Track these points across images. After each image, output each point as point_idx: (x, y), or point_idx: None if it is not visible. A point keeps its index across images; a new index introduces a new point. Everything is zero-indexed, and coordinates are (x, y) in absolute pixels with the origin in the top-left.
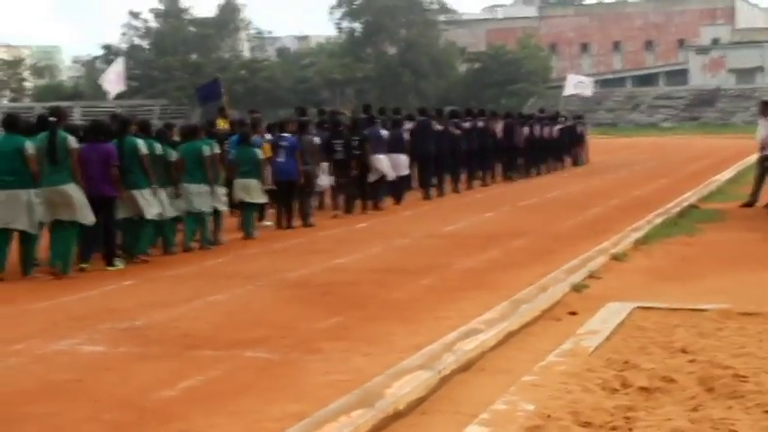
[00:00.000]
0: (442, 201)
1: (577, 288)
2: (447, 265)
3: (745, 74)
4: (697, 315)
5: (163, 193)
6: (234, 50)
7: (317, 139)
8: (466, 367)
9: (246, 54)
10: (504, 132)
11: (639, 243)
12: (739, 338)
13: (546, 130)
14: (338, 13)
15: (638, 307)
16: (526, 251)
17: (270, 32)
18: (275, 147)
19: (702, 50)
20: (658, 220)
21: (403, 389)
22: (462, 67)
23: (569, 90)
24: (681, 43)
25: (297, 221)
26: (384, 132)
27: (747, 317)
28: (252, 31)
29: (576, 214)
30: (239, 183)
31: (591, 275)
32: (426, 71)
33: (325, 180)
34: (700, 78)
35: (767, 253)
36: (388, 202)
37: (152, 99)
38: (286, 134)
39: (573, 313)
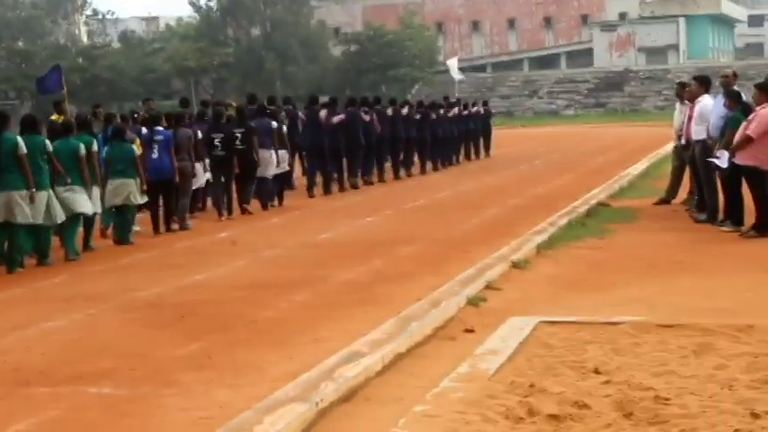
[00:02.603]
0: (315, 203)
1: (474, 301)
2: (324, 279)
3: (656, 53)
4: (611, 329)
5: (45, 196)
6: (69, 36)
7: (198, 133)
8: (348, 397)
9: (84, 39)
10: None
11: (543, 248)
12: (660, 354)
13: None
14: None
15: (544, 321)
16: (414, 260)
17: (112, 14)
18: (148, 142)
19: (608, 27)
20: (563, 222)
21: (276, 425)
22: (336, 51)
23: (456, 74)
24: (584, 19)
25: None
26: (274, 125)
27: (667, 329)
28: (89, 13)
29: (470, 216)
30: (115, 183)
31: (489, 286)
32: (295, 55)
33: (201, 178)
34: (606, 59)
35: (686, 256)
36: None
37: None
38: (160, 128)
39: (469, 330)
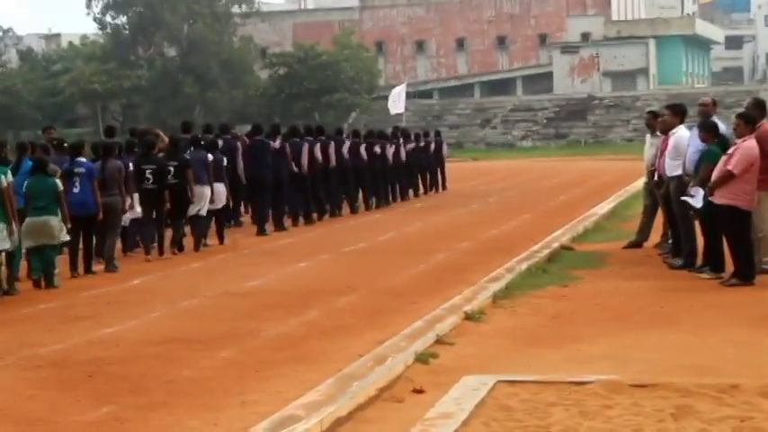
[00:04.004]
0: (243, 245)
1: (423, 358)
2: (252, 333)
3: (623, 78)
4: (577, 389)
5: None
6: None
7: (128, 164)
8: None
9: None
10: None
11: (500, 297)
12: (633, 418)
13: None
14: (98, 4)
15: (502, 381)
16: (355, 312)
17: (7, 30)
18: (69, 174)
19: (569, 49)
20: (522, 268)
21: None
22: (263, 74)
23: (397, 106)
24: (542, 40)
25: (97, 265)
26: (210, 157)
27: (641, 390)
28: None
29: (417, 262)
30: (34, 222)
31: (440, 341)
32: (216, 78)
33: (128, 214)
34: (567, 84)
35: (660, 307)
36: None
37: None
38: (82, 159)
39: (419, 391)
